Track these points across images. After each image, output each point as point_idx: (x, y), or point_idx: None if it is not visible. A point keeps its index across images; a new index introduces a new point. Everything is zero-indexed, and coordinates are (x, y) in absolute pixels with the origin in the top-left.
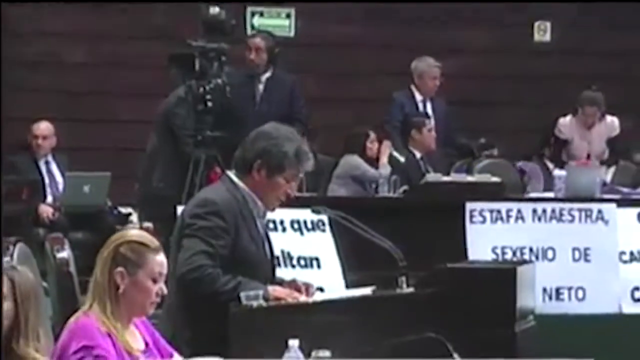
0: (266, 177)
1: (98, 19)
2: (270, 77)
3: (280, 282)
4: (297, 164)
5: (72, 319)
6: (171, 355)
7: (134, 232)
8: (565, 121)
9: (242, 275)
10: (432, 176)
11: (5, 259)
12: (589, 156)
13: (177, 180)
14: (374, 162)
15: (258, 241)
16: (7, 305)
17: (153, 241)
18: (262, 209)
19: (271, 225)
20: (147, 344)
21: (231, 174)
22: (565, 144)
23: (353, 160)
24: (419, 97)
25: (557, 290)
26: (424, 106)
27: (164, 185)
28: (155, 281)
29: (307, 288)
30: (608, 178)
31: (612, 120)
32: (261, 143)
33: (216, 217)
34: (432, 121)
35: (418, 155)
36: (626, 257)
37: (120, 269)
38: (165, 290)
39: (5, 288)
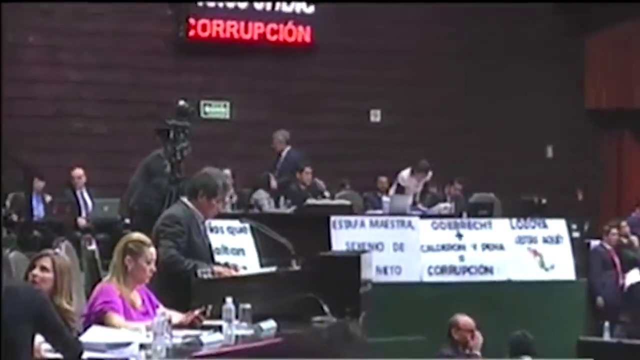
0: (206, 201)
1: (116, 108)
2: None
3: (219, 264)
4: (223, 192)
5: (98, 286)
6: (158, 306)
7: (135, 234)
8: (405, 174)
9: (193, 257)
10: (311, 200)
11: (56, 250)
12: (415, 195)
13: (146, 204)
14: (273, 192)
15: (199, 237)
16: (50, 275)
17: (147, 240)
18: (202, 218)
19: (215, 230)
20: (143, 301)
21: (184, 199)
22: (402, 188)
23: (259, 194)
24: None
25: (385, 268)
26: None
27: (137, 207)
28: (149, 263)
29: (235, 267)
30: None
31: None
32: (202, 179)
33: (177, 224)
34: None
35: (303, 187)
36: (425, 249)
37: (128, 257)
38: (154, 269)
39: (49, 265)
